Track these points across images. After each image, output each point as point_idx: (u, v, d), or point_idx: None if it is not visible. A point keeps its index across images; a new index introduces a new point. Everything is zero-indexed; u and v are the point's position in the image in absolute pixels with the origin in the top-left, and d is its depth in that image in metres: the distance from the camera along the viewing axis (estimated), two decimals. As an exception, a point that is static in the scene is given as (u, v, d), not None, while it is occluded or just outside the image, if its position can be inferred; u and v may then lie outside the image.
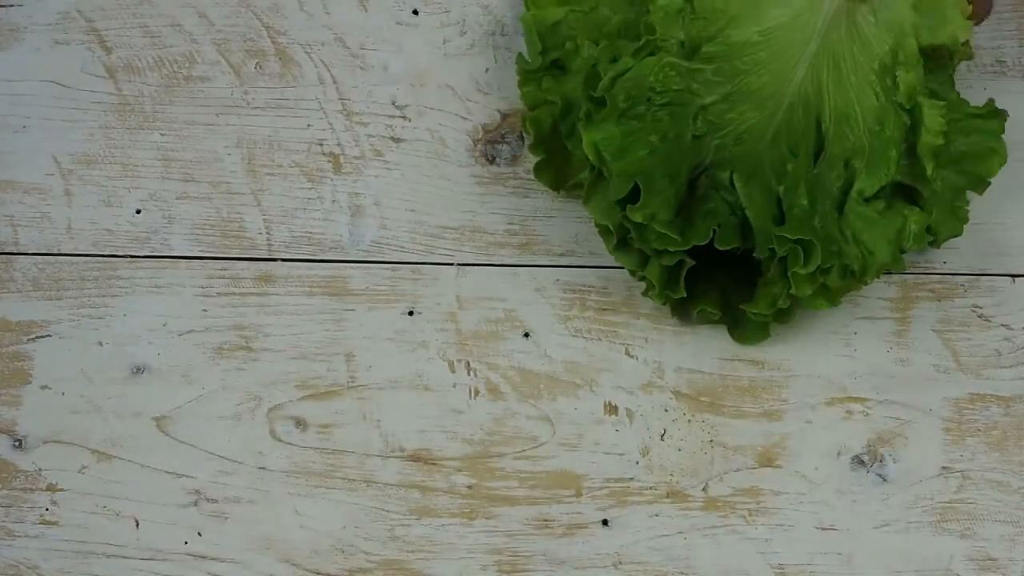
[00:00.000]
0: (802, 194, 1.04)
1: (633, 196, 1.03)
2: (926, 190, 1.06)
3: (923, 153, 1.05)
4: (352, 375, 1.10)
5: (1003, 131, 1.08)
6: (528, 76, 1.10)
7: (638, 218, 1.02)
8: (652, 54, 1.06)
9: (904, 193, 1.07)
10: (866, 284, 1.07)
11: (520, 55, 1.11)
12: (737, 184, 1.04)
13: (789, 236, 1.02)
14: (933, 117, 1.05)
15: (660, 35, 1.06)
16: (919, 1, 1.07)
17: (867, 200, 1.06)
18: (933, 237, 1.08)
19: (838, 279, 1.05)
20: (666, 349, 1.10)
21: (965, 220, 1.09)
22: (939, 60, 1.08)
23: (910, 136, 1.06)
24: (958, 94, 1.09)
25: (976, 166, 1.09)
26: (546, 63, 1.10)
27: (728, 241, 1.04)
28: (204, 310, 1.11)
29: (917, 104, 1.05)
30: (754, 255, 1.04)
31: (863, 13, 1.06)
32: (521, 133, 1.13)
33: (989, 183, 1.09)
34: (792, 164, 1.05)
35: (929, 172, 1.06)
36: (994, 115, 1.09)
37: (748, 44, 1.06)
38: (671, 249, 1.03)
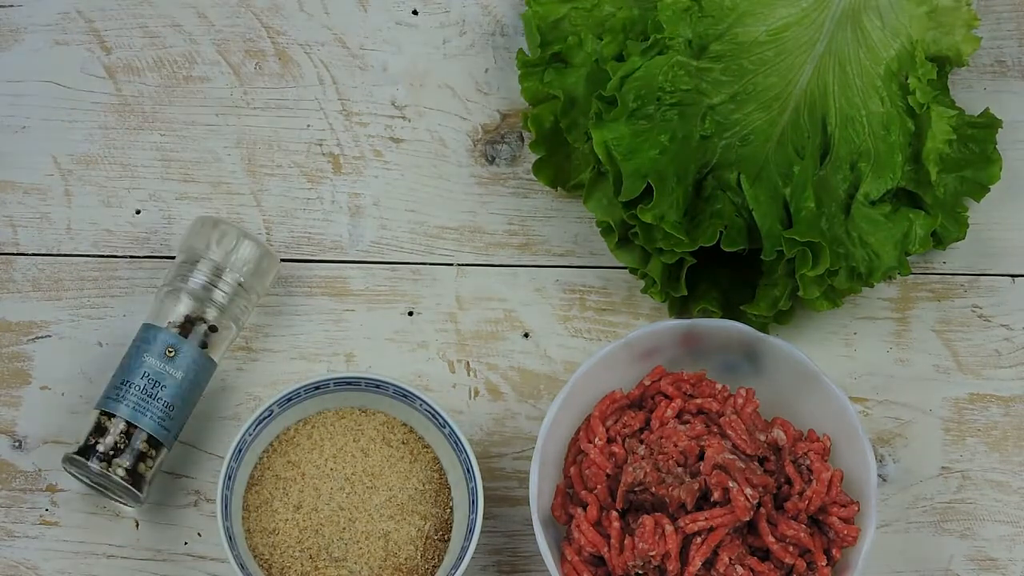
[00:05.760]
0: (809, 196, 1.04)
1: (642, 196, 1.03)
2: (929, 195, 1.06)
3: (928, 159, 1.05)
4: (352, 375, 1.10)
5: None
6: (529, 70, 1.10)
7: (648, 218, 1.02)
8: (661, 53, 1.05)
9: (907, 197, 1.07)
10: (871, 287, 1.07)
11: (520, 50, 1.11)
12: (744, 185, 1.04)
13: (799, 238, 1.02)
14: (941, 124, 1.05)
15: (668, 33, 1.06)
16: (927, 11, 1.07)
17: (873, 203, 1.06)
18: (938, 241, 1.08)
19: (845, 281, 1.05)
20: (666, 349, 1.10)
21: (966, 225, 1.09)
22: (937, 68, 1.08)
23: (915, 142, 1.06)
24: (953, 101, 1.09)
25: (976, 174, 1.09)
26: (547, 56, 1.10)
27: (735, 243, 1.03)
28: (204, 310, 1.11)
29: (926, 111, 1.05)
30: (761, 256, 1.04)
31: (870, 18, 1.06)
32: (521, 134, 1.13)
33: (988, 190, 1.09)
34: (798, 166, 1.05)
35: (933, 177, 1.06)
36: (991, 124, 1.09)
37: (755, 43, 1.06)
38: (676, 249, 1.03)
